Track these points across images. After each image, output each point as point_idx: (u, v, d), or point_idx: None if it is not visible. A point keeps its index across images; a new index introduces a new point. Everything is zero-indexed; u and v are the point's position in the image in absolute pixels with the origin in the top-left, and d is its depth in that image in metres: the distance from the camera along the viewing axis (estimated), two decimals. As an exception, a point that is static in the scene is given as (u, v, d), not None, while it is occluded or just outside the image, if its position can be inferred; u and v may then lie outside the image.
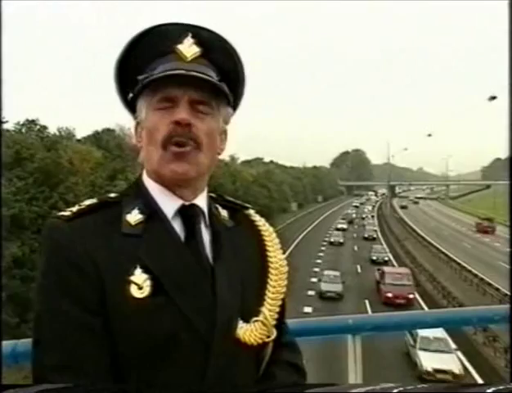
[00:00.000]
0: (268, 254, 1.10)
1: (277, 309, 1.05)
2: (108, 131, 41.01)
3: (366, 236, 52.11)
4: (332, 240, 47.47)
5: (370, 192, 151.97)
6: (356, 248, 45.01)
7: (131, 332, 0.90)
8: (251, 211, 1.17)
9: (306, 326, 1.71)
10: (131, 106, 1.06)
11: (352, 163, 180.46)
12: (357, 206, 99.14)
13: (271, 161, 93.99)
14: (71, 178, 25.88)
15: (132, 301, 0.90)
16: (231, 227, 1.09)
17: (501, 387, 0.79)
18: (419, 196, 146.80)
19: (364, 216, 76.94)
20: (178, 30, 1.01)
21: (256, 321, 1.01)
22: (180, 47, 1.00)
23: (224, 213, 1.11)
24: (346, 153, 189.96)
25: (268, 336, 1.01)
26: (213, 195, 1.13)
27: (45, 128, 34.15)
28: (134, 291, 0.90)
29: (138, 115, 1.03)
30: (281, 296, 1.07)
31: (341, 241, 47.28)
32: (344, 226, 59.18)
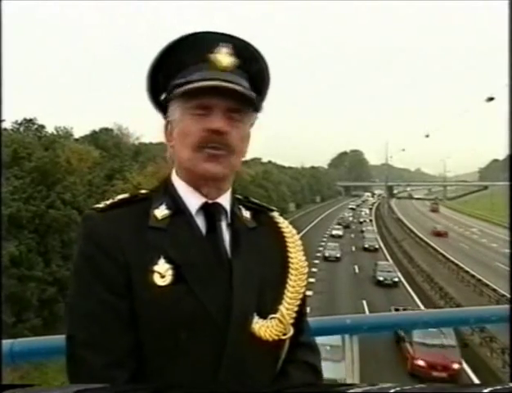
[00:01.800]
0: (289, 255, 1.15)
1: (295, 309, 1.09)
2: (106, 130, 41.04)
3: (366, 246, 45.08)
4: (327, 254, 39.59)
5: (367, 193, 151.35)
6: (356, 268, 35.87)
7: (151, 318, 0.96)
8: (275, 214, 1.23)
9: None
10: (160, 105, 1.12)
11: (350, 163, 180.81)
12: (353, 208, 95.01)
13: (270, 161, 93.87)
14: (69, 178, 25.71)
15: (154, 289, 0.96)
16: (253, 227, 1.14)
17: (498, 387, 0.79)
18: (417, 196, 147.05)
19: (362, 220, 71.64)
20: (212, 39, 1.05)
21: (273, 318, 1.04)
22: (216, 56, 1.04)
23: (247, 214, 1.16)
24: (344, 153, 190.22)
25: (284, 334, 1.05)
26: (239, 196, 1.18)
27: (43, 127, 34.17)
28: (157, 279, 0.97)
29: (170, 116, 1.09)
30: (300, 296, 1.11)
31: (337, 255, 39.45)
32: (340, 232, 53.76)
